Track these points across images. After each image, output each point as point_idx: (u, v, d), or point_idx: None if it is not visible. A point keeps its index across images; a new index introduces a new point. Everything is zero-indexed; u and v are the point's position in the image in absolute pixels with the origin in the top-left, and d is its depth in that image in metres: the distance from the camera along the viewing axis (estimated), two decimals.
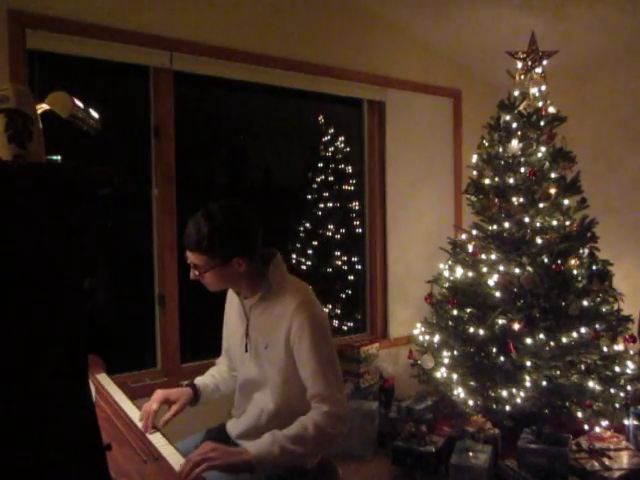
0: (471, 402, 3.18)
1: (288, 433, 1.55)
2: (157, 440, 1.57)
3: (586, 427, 3.11)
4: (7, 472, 0.79)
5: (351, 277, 4.25)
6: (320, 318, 1.69)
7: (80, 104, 1.31)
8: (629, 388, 3.05)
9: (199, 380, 1.93)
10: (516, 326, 3.01)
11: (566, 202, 3.27)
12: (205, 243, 1.62)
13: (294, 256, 4.27)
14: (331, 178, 4.32)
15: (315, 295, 1.76)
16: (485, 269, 3.27)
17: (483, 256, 3.32)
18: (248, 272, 1.70)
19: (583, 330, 3.02)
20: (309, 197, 4.37)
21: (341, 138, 4.27)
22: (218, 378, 1.96)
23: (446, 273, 3.49)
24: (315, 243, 4.34)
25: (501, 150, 3.39)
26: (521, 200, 3.26)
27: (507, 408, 3.05)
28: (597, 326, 3.06)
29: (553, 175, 3.27)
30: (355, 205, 4.21)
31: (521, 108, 3.37)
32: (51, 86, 1.36)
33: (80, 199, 0.86)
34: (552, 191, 3.22)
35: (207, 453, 1.44)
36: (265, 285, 1.73)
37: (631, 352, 3.14)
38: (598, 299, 3.16)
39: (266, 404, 1.72)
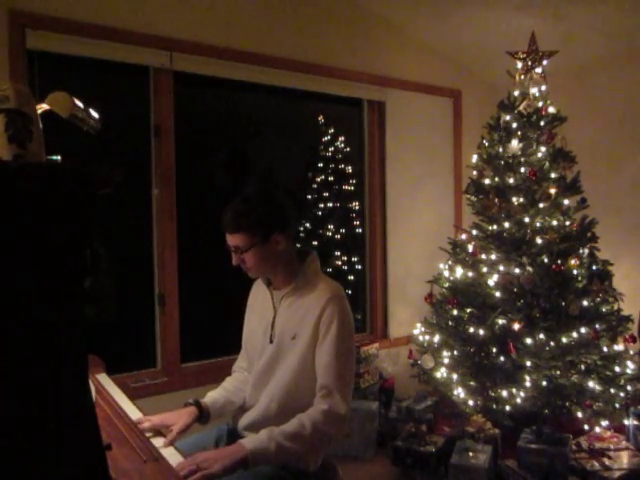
0: (471, 402, 3.17)
1: (286, 430, 1.56)
2: (157, 440, 1.57)
3: (586, 427, 3.11)
4: (7, 472, 0.79)
5: (351, 277, 4.25)
6: (349, 316, 1.74)
7: (80, 104, 1.31)
8: (629, 388, 3.05)
9: (209, 396, 1.88)
10: (516, 326, 3.01)
11: (566, 202, 3.27)
12: (244, 221, 1.69)
13: None
14: (331, 178, 4.31)
15: None
16: (485, 269, 3.27)
17: (483, 256, 3.32)
18: (286, 253, 1.76)
19: (583, 330, 3.02)
20: (309, 197, 4.36)
21: (341, 138, 4.26)
22: (231, 390, 1.92)
23: (446, 273, 3.49)
24: (315, 243, 4.34)
25: (501, 150, 3.39)
26: (521, 200, 3.26)
27: (507, 408, 3.05)
28: (597, 326, 3.06)
29: (553, 175, 3.26)
30: (355, 205, 4.21)
31: (521, 108, 3.37)
32: (51, 86, 1.36)
33: (80, 199, 0.86)
34: (552, 191, 3.22)
35: (200, 464, 1.43)
36: (299, 277, 1.77)
37: (631, 352, 3.14)
38: (598, 299, 3.15)
39: (277, 394, 1.72)
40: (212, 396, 1.89)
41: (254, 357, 1.85)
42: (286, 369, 1.72)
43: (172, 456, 1.46)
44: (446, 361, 3.30)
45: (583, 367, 3.02)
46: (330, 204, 4.31)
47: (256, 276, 1.85)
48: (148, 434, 1.63)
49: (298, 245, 4.10)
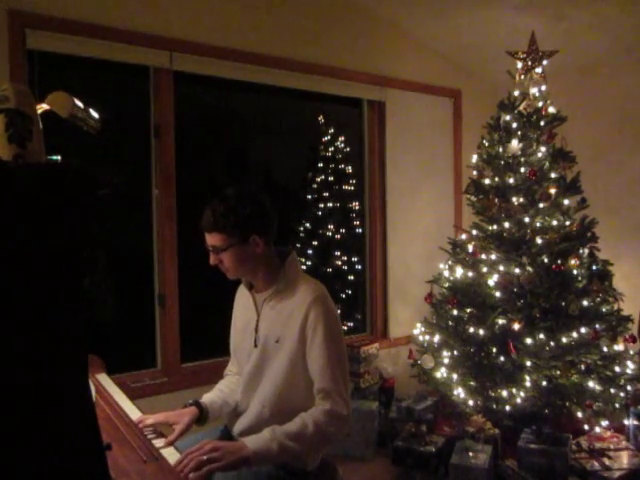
0: (471, 402, 3.17)
1: (288, 430, 1.56)
2: (158, 441, 1.57)
3: (586, 427, 3.11)
4: (7, 472, 0.79)
5: (351, 277, 4.25)
6: (334, 315, 1.72)
7: (80, 104, 1.31)
8: (629, 388, 3.05)
9: (206, 397, 1.88)
10: (516, 326, 3.01)
11: (566, 202, 3.27)
12: (222, 221, 1.67)
13: None
14: (331, 178, 4.32)
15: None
16: (485, 269, 3.27)
17: (483, 256, 3.32)
18: (265, 255, 1.74)
19: (583, 330, 3.02)
20: (309, 197, 4.37)
21: (341, 138, 4.27)
22: (226, 391, 1.92)
23: (446, 273, 3.49)
24: (315, 243, 4.34)
25: (501, 150, 3.39)
26: (521, 200, 3.26)
27: (507, 408, 3.05)
28: (597, 326, 3.06)
29: (553, 175, 3.27)
30: (355, 205, 4.21)
31: (521, 108, 3.37)
32: (51, 86, 1.36)
33: (80, 199, 0.86)
34: (552, 191, 3.22)
35: (209, 454, 1.44)
36: (280, 279, 1.75)
37: (631, 352, 3.14)
38: (598, 299, 3.15)
39: (269, 399, 1.71)
40: (209, 397, 1.89)
41: (242, 361, 1.85)
42: (274, 373, 1.71)
43: (172, 456, 1.46)
44: (446, 361, 3.30)
45: (583, 367, 3.01)
46: (330, 204, 4.32)
47: (234, 277, 1.80)
48: (147, 431, 1.63)
49: (301, 243, 4.10)
